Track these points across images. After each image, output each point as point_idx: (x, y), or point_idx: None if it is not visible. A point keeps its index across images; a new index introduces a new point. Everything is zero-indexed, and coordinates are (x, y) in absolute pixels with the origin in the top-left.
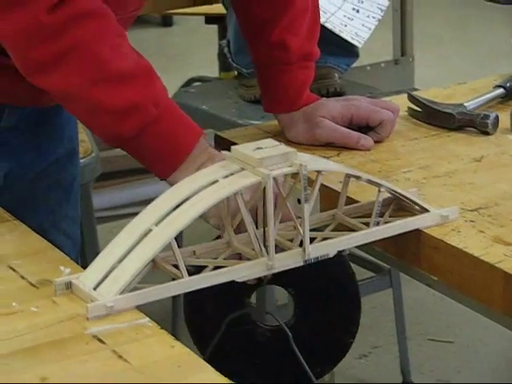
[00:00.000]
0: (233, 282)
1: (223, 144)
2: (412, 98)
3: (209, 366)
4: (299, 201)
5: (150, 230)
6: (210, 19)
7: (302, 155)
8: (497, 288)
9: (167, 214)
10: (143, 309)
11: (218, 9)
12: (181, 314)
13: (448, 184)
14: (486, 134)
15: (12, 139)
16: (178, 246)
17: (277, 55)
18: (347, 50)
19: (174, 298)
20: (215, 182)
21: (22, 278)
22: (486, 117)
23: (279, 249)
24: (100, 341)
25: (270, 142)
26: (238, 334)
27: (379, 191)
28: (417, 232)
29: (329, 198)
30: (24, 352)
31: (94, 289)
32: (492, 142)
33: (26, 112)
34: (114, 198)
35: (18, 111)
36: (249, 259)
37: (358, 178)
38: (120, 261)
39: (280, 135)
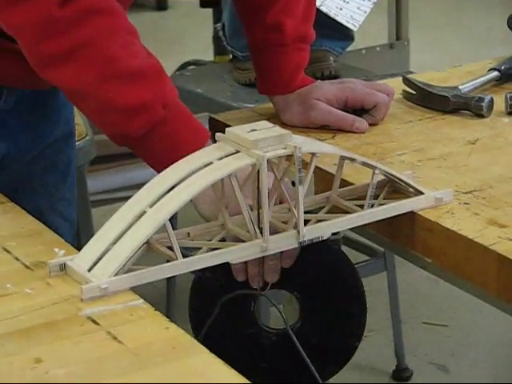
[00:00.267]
0: (239, 289)
1: (217, 126)
2: (407, 81)
3: (203, 348)
4: (293, 183)
5: (144, 212)
6: (204, 3)
7: (296, 137)
8: (491, 270)
9: (161, 196)
10: (138, 292)
11: None
12: (175, 297)
13: (442, 166)
14: (481, 116)
15: (10, 120)
16: (173, 228)
17: (272, 37)
18: (342, 34)
19: (169, 281)
20: (209, 163)
21: (17, 259)
22: (481, 100)
23: (274, 231)
24: (94, 322)
25: (264, 124)
26: (243, 337)
27: (374, 173)
28: (411, 214)
29: (323, 180)
30: (18, 333)
31: (89, 270)
32: (486, 124)
33: (23, 94)
34: (108, 182)
35: (16, 93)
36: (243, 241)
37: (352, 160)
38: (114, 243)
39: (275, 118)
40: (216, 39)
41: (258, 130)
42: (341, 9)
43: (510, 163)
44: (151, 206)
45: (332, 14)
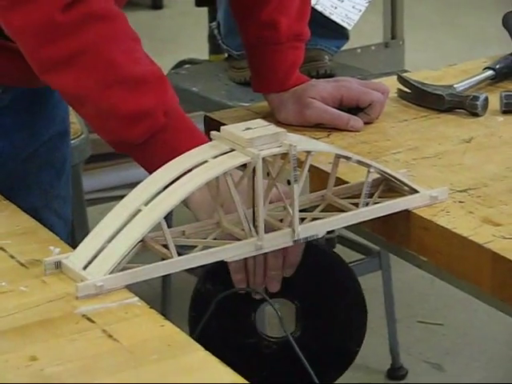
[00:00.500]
0: (238, 297)
1: (212, 125)
2: (402, 80)
3: (198, 345)
4: (289, 182)
5: (139, 210)
6: (200, 1)
7: (291, 135)
8: (486, 268)
9: (156, 194)
10: (133, 291)
11: None
12: (170, 297)
13: (437, 165)
14: (476, 115)
15: (5, 119)
16: (168, 227)
17: (267, 35)
18: (337, 32)
19: (164, 279)
20: (204, 162)
21: (12, 257)
22: (476, 98)
23: (269, 229)
24: (90, 320)
25: (259, 122)
26: (243, 347)
27: (369, 172)
28: (406, 213)
29: (318, 178)
30: (13, 331)
31: (84, 268)
32: (481, 123)
33: (19, 92)
34: (103, 180)
35: (11, 91)
36: (238, 240)
37: (347, 158)
38: (109, 240)
39: (270, 117)
40: (211, 38)
41: (253, 128)
42: (336, 8)
43: (505, 162)
44: (146, 204)
45: (327, 13)
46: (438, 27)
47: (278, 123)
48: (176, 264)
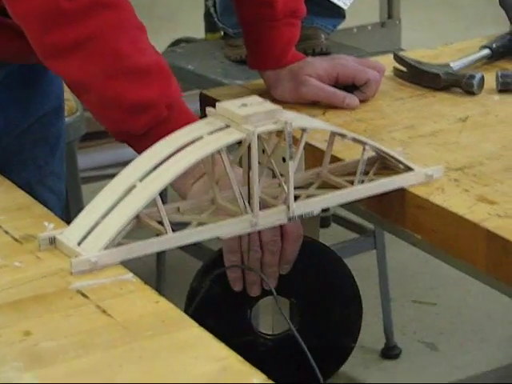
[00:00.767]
0: (236, 294)
1: (208, 102)
2: (398, 58)
3: (193, 322)
4: (284, 159)
5: (134, 186)
6: None
7: (287, 113)
8: (480, 247)
9: (152, 170)
10: (128, 268)
11: None
12: (165, 274)
13: (433, 143)
14: (472, 94)
15: None
16: (163, 203)
17: (262, 12)
18: (334, 11)
19: (159, 256)
20: (200, 138)
21: (6, 233)
22: (472, 77)
23: (264, 206)
24: (84, 296)
25: (255, 99)
26: (240, 345)
27: (364, 149)
28: (401, 191)
29: (314, 156)
30: (7, 306)
31: (78, 244)
32: (477, 102)
33: (14, 68)
34: (98, 158)
35: (6, 66)
36: (233, 216)
37: (343, 136)
38: (104, 216)
39: (265, 94)
40: (207, 16)
41: (249, 105)
42: None
43: (500, 140)
44: (141, 180)
45: None
46: (435, 7)
47: (274, 100)
48: (171, 240)
